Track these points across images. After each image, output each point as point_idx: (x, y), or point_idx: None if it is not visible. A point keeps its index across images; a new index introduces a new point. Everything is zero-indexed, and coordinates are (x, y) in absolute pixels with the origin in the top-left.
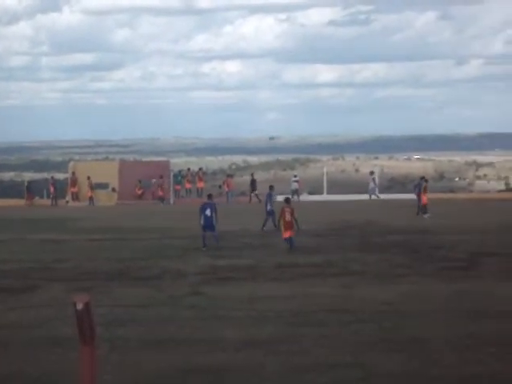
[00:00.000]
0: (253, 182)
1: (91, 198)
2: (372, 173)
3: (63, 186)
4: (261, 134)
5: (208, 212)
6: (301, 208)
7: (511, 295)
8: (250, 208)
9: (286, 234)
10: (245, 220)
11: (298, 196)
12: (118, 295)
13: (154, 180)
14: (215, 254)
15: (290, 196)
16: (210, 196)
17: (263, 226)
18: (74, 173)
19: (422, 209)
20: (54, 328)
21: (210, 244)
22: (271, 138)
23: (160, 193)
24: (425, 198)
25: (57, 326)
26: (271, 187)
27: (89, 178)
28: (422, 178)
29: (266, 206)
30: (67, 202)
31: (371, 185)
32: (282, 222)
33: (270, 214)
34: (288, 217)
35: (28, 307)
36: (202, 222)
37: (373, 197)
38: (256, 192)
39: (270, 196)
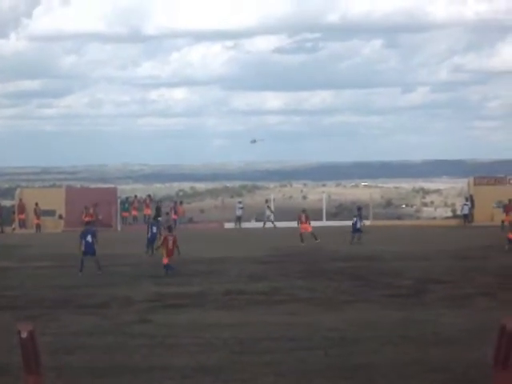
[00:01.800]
0: (157, 209)
1: (38, 226)
2: (267, 201)
3: (10, 213)
4: (208, 160)
5: (89, 238)
6: (247, 235)
7: (456, 322)
8: (198, 234)
9: (166, 261)
10: (191, 247)
11: (240, 223)
12: (65, 323)
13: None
14: (162, 282)
15: (172, 224)
16: (90, 222)
17: (152, 250)
18: (21, 199)
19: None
20: None
21: (99, 271)
22: (253, 142)
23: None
24: (308, 227)
25: (2, 355)
26: (155, 217)
27: (36, 204)
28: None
29: (156, 234)
30: (14, 229)
31: (267, 212)
32: (163, 249)
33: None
34: (170, 244)
35: None
36: (82, 247)
37: (268, 224)
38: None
39: (158, 224)
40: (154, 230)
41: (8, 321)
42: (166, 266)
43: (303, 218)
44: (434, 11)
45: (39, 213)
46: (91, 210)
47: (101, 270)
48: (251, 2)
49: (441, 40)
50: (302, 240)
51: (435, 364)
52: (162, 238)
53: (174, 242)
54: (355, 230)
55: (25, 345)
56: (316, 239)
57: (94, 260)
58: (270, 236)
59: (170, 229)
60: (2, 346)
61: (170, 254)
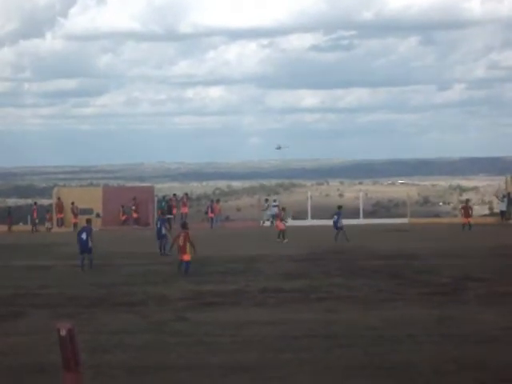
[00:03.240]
0: (169, 207)
1: (76, 225)
2: (267, 200)
3: (47, 212)
4: (245, 158)
5: (84, 236)
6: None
7: (495, 320)
8: (234, 233)
9: (183, 258)
10: (229, 245)
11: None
12: (102, 321)
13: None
14: (199, 280)
15: (185, 221)
16: (88, 221)
17: (160, 249)
18: (59, 198)
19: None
20: (38, 355)
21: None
22: (278, 148)
23: (134, 215)
24: (281, 225)
25: (41, 353)
26: (163, 213)
27: (73, 203)
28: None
29: (161, 230)
30: (49, 228)
31: (274, 210)
32: (175, 248)
33: (164, 237)
34: (181, 241)
35: (12, 334)
36: (78, 245)
37: (267, 223)
38: (170, 216)
39: (163, 221)
40: (158, 225)
41: (46, 319)
42: (181, 264)
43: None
44: (470, 8)
45: (76, 211)
46: (133, 206)
47: (92, 269)
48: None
49: (477, 37)
50: (279, 236)
51: (474, 362)
52: (175, 236)
53: (185, 238)
54: (336, 227)
55: (64, 343)
56: (284, 238)
57: (88, 258)
58: (306, 234)
59: (183, 226)
60: (40, 344)
61: (182, 250)
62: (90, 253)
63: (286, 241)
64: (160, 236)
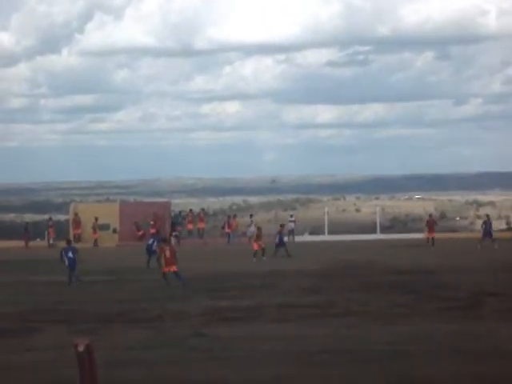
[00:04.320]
0: (173, 223)
1: (96, 241)
2: (251, 216)
3: (64, 228)
4: (261, 174)
5: (71, 254)
6: (299, 248)
7: None
8: (249, 248)
9: (171, 269)
10: (245, 261)
11: (294, 236)
12: (119, 337)
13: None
14: (216, 295)
15: (165, 236)
16: (68, 241)
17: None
18: (76, 214)
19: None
20: (55, 370)
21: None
22: (273, 182)
23: (152, 230)
24: (256, 245)
25: (58, 369)
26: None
27: (96, 219)
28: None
29: (152, 246)
30: (51, 244)
31: (250, 229)
32: (162, 260)
33: (154, 253)
34: (168, 254)
35: (29, 350)
36: (66, 263)
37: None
38: (176, 233)
39: (156, 238)
40: (151, 241)
41: (62, 335)
42: (175, 274)
43: (256, 236)
44: (485, 22)
45: (96, 227)
46: (152, 221)
47: (73, 284)
48: (302, 15)
49: (493, 51)
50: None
51: (493, 378)
52: (159, 249)
53: (172, 252)
54: (277, 244)
55: (81, 359)
56: (262, 256)
57: (73, 275)
58: (322, 249)
59: (164, 240)
60: (57, 360)
61: (169, 262)
62: (75, 270)
63: (264, 258)
64: (150, 252)
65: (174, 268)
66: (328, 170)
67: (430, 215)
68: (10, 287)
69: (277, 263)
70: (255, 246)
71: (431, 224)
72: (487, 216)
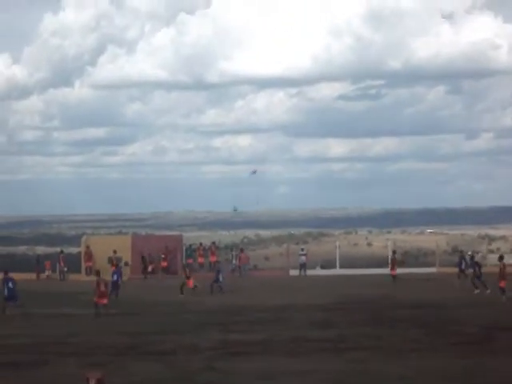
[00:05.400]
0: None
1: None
2: (232, 249)
3: (75, 260)
4: (272, 207)
5: (10, 284)
6: (312, 282)
7: None
8: (262, 282)
9: (102, 301)
10: (257, 294)
11: (305, 270)
12: (131, 370)
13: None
14: (228, 329)
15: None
16: (6, 272)
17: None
18: (88, 246)
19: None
20: None
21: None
22: (235, 210)
23: (163, 264)
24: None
25: None
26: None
27: (115, 252)
28: None
29: (117, 281)
30: (48, 276)
31: (234, 261)
32: (96, 292)
33: (118, 288)
34: (102, 287)
35: (40, 383)
36: (5, 293)
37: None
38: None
39: (118, 273)
40: (115, 278)
41: (73, 368)
42: (99, 306)
43: (187, 273)
44: (497, 56)
45: (114, 260)
46: (163, 254)
47: (7, 315)
48: (314, 49)
49: (504, 86)
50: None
51: None
52: (97, 282)
53: (106, 285)
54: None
55: None
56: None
57: (15, 305)
58: (334, 283)
59: (98, 273)
60: None
61: (102, 295)
62: (17, 300)
63: (181, 296)
64: (115, 286)
65: (104, 301)
66: (340, 203)
67: (394, 252)
68: (20, 319)
69: (289, 297)
70: (190, 284)
71: (393, 262)
72: (461, 252)
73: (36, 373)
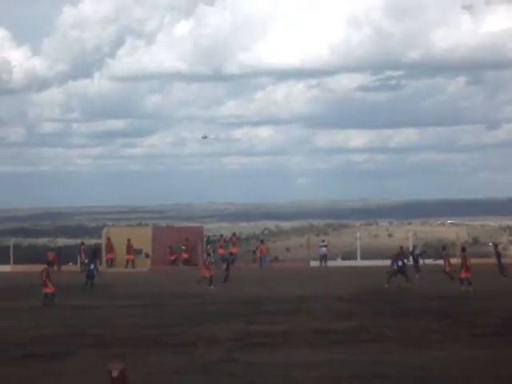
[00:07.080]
0: (95, 252)
1: (132, 262)
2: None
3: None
4: (293, 198)
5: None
6: (333, 273)
7: None
8: (283, 273)
9: (46, 291)
10: (278, 285)
11: (326, 261)
12: (153, 362)
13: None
14: (249, 320)
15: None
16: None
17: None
18: (109, 238)
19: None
20: None
21: None
22: (204, 137)
23: (184, 255)
24: (206, 271)
25: None
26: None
27: (129, 240)
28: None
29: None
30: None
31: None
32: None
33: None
34: (44, 276)
35: (61, 374)
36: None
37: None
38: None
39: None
40: (92, 266)
41: (95, 359)
42: (46, 296)
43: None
44: None
45: (131, 249)
46: (184, 246)
47: None
48: (334, 40)
49: None
50: (199, 282)
51: None
52: (41, 271)
53: (47, 274)
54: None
55: None
56: (210, 285)
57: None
58: (356, 275)
59: (48, 263)
60: None
61: (45, 284)
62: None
63: (212, 287)
64: (90, 274)
65: (47, 290)
66: (360, 194)
67: (444, 247)
68: (42, 311)
69: (311, 288)
70: (205, 273)
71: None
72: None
73: (58, 364)
